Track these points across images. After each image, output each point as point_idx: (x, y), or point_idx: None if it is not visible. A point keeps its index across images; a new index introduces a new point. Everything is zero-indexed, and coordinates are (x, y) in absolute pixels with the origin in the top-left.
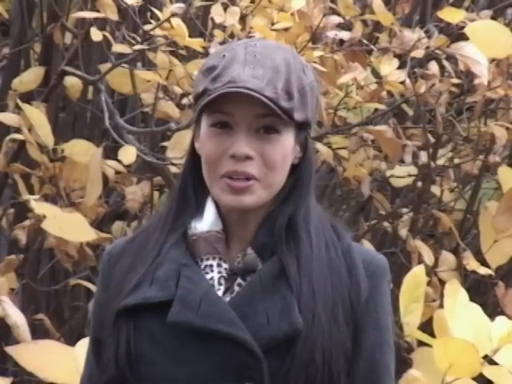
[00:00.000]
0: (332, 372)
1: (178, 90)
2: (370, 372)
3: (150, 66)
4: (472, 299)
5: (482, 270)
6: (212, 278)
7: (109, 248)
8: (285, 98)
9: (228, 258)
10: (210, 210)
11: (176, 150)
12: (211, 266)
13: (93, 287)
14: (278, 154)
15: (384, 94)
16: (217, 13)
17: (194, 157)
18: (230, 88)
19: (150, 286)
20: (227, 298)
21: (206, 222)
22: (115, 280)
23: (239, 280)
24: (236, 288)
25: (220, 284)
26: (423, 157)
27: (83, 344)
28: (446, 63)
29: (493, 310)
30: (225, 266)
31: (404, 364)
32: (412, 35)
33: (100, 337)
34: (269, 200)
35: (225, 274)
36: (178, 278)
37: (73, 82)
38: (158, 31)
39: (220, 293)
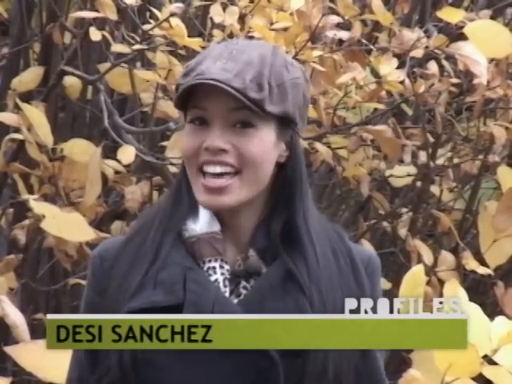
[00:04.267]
0: (343, 374)
1: None
2: (373, 370)
3: (149, 65)
4: (471, 299)
5: (482, 270)
6: (216, 280)
7: (99, 250)
8: (254, 89)
9: (227, 259)
10: (204, 211)
11: (175, 149)
12: (214, 268)
13: None
14: (255, 148)
15: (383, 93)
16: (216, 12)
17: None
18: (197, 80)
19: (153, 289)
20: (234, 301)
21: (203, 222)
22: (113, 284)
23: (244, 283)
24: (242, 291)
25: (225, 286)
26: (422, 156)
27: None
28: (445, 63)
29: (492, 309)
30: (226, 267)
31: (403, 364)
32: (411, 35)
33: None
34: (258, 200)
35: (228, 276)
36: (183, 281)
37: (72, 82)
38: (157, 31)
39: (226, 295)
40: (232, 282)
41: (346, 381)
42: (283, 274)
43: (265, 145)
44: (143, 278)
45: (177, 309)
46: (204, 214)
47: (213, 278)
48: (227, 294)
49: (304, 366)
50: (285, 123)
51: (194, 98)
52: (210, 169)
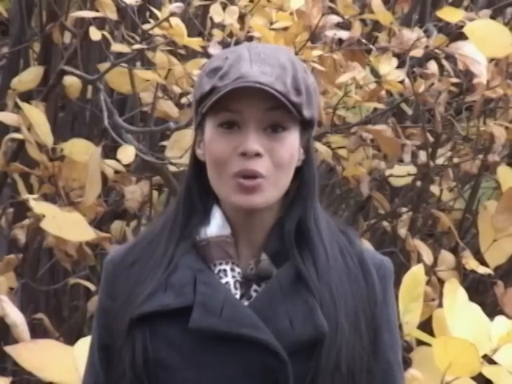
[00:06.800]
0: (355, 382)
1: (177, 90)
2: (386, 374)
3: (149, 65)
4: (471, 298)
5: (481, 270)
6: (227, 283)
7: (111, 256)
8: (294, 93)
9: (238, 263)
10: (216, 215)
11: (175, 149)
12: (225, 270)
13: (92, 286)
14: (286, 152)
15: (383, 93)
16: (216, 12)
17: (196, 165)
18: (241, 83)
19: (164, 292)
20: (245, 303)
21: (214, 226)
22: (125, 290)
23: (255, 286)
24: (253, 294)
25: (236, 289)
26: (422, 156)
27: (82, 343)
28: (445, 62)
29: (492, 309)
30: (238, 270)
31: (403, 363)
32: (411, 34)
33: (109, 344)
34: (276, 202)
35: (239, 279)
36: (194, 283)
37: (72, 82)
38: (156, 30)
39: (237, 297)
40: (243, 286)
41: (359, 381)
42: (293, 276)
43: (293, 148)
44: (155, 284)
45: (187, 311)
46: (216, 218)
47: (223, 281)
48: (237, 297)
49: (316, 366)
50: (305, 127)
51: (225, 100)
52: (248, 176)
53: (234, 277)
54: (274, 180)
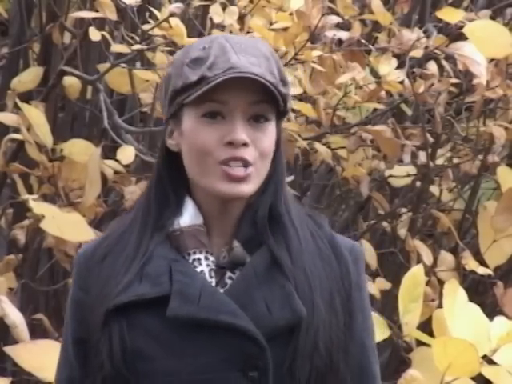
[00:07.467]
0: (333, 362)
1: None
2: (361, 357)
3: (148, 65)
4: (471, 299)
5: (481, 270)
6: (202, 272)
7: (82, 251)
8: (281, 84)
9: (212, 251)
10: (188, 205)
11: None
12: (199, 259)
13: None
14: (269, 141)
15: (383, 93)
16: (215, 12)
17: (167, 156)
18: (235, 73)
19: (140, 283)
20: (221, 291)
21: (187, 216)
22: (98, 283)
23: (229, 273)
24: (228, 281)
25: (211, 277)
26: (422, 157)
27: None
28: (444, 63)
29: (492, 309)
30: (212, 258)
31: (403, 364)
32: (411, 35)
33: (84, 337)
34: None
35: (213, 267)
36: (169, 273)
37: (72, 82)
38: (156, 31)
39: (213, 285)
40: (218, 274)
41: (337, 362)
42: (268, 261)
43: (273, 138)
44: (130, 275)
45: (164, 300)
46: (188, 208)
47: (199, 270)
48: (213, 285)
49: (295, 349)
50: (280, 117)
51: (210, 91)
52: (237, 164)
53: (208, 265)
54: (259, 168)
